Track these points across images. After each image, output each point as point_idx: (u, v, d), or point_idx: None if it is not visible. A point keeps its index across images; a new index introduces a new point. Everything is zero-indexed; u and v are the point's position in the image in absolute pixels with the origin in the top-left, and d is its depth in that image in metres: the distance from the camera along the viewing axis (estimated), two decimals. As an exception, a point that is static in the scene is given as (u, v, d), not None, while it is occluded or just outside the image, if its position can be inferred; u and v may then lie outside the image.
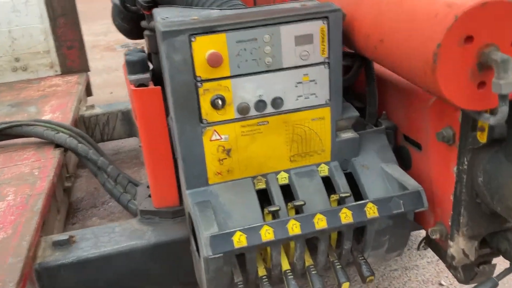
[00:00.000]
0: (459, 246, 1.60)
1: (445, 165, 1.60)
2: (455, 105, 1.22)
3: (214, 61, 1.49)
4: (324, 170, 1.74)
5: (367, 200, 1.55)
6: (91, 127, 3.77)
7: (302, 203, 1.57)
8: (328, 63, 1.60)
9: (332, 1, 1.61)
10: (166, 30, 1.46)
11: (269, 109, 1.60)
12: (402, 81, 1.83)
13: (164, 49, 1.47)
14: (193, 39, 1.47)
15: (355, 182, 1.72)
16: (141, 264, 2.11)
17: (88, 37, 7.50)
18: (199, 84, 1.52)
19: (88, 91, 4.57)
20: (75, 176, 3.23)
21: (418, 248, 2.11)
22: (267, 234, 1.48)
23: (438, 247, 1.87)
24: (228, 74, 1.53)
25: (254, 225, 1.48)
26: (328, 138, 1.69)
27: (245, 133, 1.61)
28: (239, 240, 1.46)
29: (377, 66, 1.80)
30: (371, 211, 1.54)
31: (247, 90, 1.57)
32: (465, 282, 1.76)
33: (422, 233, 2.09)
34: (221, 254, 1.45)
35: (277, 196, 1.65)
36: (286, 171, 1.71)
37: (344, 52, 1.64)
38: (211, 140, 1.59)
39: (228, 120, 1.58)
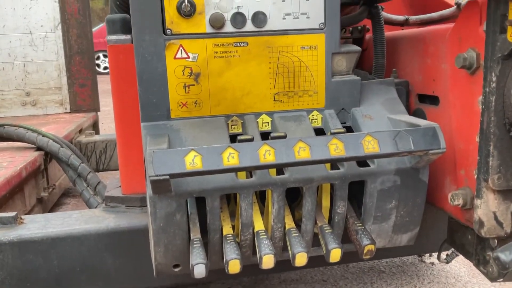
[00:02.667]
0: (488, 206, 1.19)
1: (467, 103, 1.25)
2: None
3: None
4: (316, 120, 1.41)
5: (365, 132, 1.19)
6: (87, 154, 3.51)
7: (283, 134, 1.22)
8: (323, -24, 1.34)
9: None
10: None
11: (249, 26, 1.32)
12: (416, 31, 1.56)
13: None
14: None
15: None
16: (94, 254, 1.73)
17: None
18: (164, -18, 1.26)
19: (96, 129, 4.39)
20: (54, 188, 2.91)
21: (438, 258, 1.68)
22: (230, 158, 1.12)
23: (462, 238, 1.45)
24: (201, -25, 1.28)
25: (214, 145, 1.13)
26: (322, 76, 1.38)
27: (219, 54, 1.32)
28: (193, 162, 1.11)
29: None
30: (370, 145, 1.17)
31: (223, -2, 1.30)
32: (498, 275, 1.32)
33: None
34: (167, 177, 1.09)
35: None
36: (269, 114, 1.39)
37: None
38: (175, 58, 1.30)
39: (198, 34, 1.30)
